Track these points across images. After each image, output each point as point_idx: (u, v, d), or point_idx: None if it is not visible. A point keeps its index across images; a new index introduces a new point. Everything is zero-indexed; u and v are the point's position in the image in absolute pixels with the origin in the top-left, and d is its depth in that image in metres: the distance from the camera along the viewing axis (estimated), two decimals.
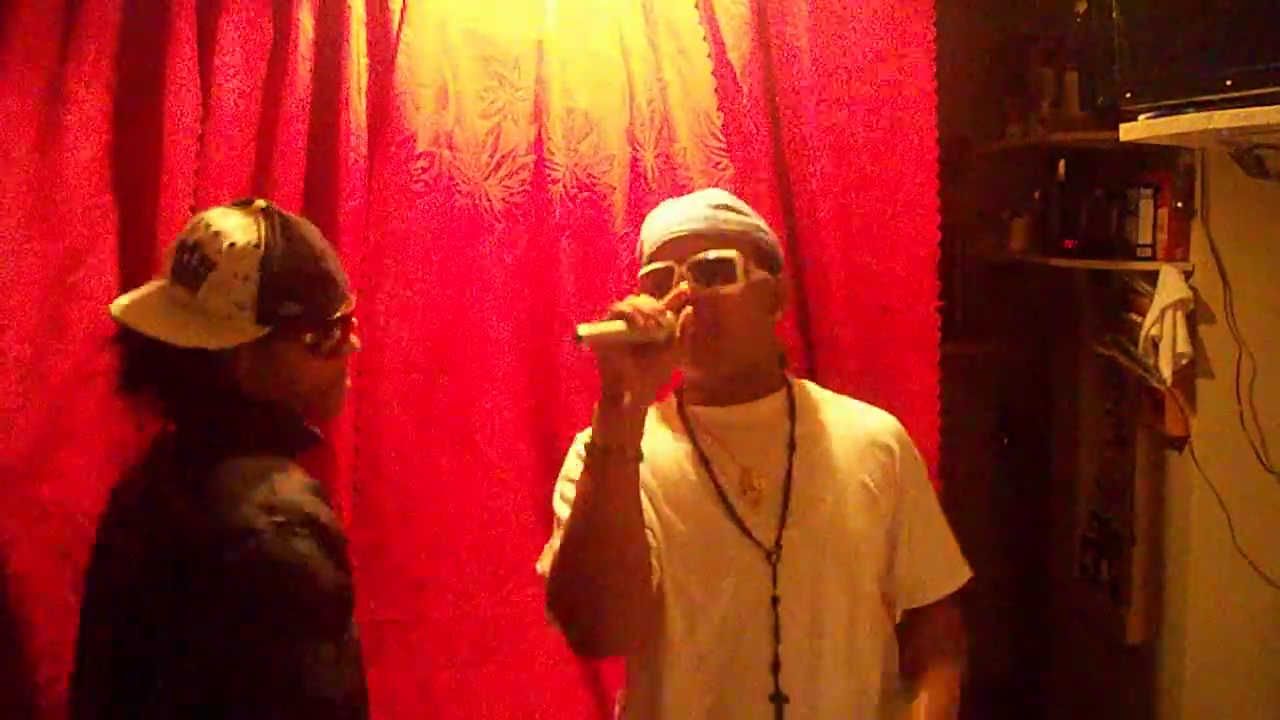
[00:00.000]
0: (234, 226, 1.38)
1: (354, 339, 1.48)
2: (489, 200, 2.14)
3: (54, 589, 1.84)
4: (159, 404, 1.40)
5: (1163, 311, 2.36)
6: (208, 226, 1.38)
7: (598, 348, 1.30)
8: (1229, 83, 1.81)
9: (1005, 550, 3.17)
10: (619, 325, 1.30)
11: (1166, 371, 2.38)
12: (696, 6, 2.14)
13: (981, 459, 3.14)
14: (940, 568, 1.57)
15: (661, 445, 1.49)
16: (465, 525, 2.13)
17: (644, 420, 1.35)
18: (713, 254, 1.44)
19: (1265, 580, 2.32)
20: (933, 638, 1.56)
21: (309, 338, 1.40)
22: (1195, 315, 2.37)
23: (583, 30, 2.16)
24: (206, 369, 1.35)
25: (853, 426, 1.56)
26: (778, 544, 1.45)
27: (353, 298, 1.48)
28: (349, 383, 1.51)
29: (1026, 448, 3.20)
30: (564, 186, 2.15)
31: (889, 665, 1.52)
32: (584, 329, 1.29)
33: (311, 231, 1.44)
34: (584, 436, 1.53)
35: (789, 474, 1.49)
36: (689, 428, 1.53)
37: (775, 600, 1.44)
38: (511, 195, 2.15)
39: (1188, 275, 2.39)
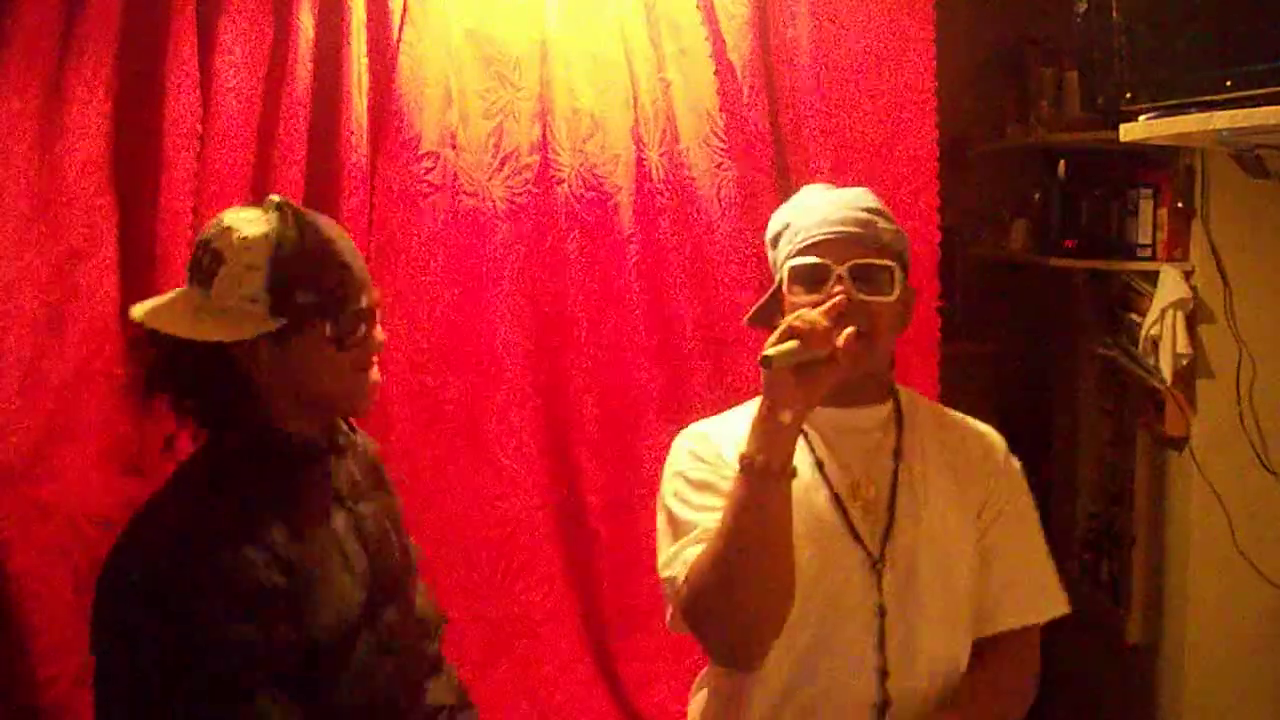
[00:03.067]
0: (245, 220, 1.37)
1: (379, 332, 1.44)
2: (493, 201, 2.14)
3: (54, 589, 1.84)
4: (183, 407, 1.39)
5: (1163, 311, 2.36)
6: (219, 223, 1.38)
7: (776, 369, 1.29)
8: (1229, 83, 1.81)
9: None
10: (794, 344, 1.30)
11: (1166, 371, 2.38)
12: (698, 7, 2.15)
13: None
14: (1023, 596, 1.52)
15: None
16: (474, 525, 2.13)
17: (798, 436, 1.35)
18: (875, 261, 1.42)
19: (1265, 580, 2.31)
20: (994, 670, 1.51)
21: (328, 329, 1.36)
22: (1195, 315, 2.37)
23: (585, 31, 2.16)
24: (226, 366, 1.34)
25: (957, 440, 1.55)
26: (883, 552, 1.45)
27: (376, 291, 1.43)
28: (377, 377, 1.45)
29: (1026, 448, 3.20)
30: (569, 186, 2.15)
31: None
32: (770, 352, 1.29)
33: (328, 223, 1.42)
34: (694, 435, 1.53)
35: (894, 483, 1.48)
36: (802, 431, 1.48)
37: (881, 609, 1.43)
38: (516, 195, 2.15)
39: (1188, 275, 2.38)
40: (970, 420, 1.61)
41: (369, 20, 2.08)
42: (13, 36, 1.88)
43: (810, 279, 1.43)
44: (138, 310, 1.39)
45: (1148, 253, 2.50)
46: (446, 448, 2.13)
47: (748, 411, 1.42)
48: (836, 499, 1.46)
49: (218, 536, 1.29)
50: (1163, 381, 2.41)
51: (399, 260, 2.09)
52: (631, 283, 2.16)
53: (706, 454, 1.49)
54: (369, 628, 1.43)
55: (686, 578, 1.39)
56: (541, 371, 2.17)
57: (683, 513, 1.46)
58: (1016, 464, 1.58)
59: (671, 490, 1.49)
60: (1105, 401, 2.86)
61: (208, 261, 1.36)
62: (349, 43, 2.05)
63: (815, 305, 1.37)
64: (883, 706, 1.42)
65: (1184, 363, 2.36)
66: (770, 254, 1.54)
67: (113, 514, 1.91)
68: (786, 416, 1.32)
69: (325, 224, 1.41)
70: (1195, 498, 2.39)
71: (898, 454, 1.50)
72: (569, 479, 2.15)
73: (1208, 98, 1.85)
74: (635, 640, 2.09)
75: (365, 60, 2.08)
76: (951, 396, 2.25)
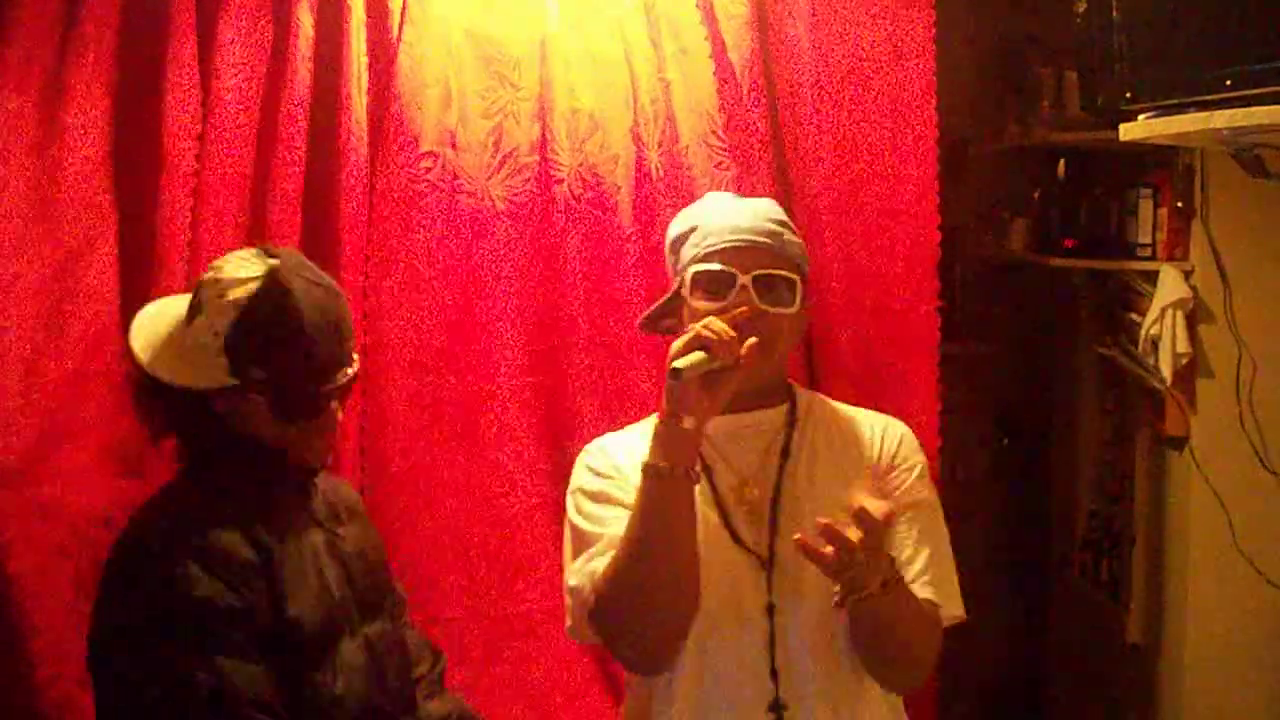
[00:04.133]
0: (236, 273, 1.44)
1: (333, 410, 1.51)
2: (492, 200, 2.14)
3: (54, 589, 1.84)
4: (167, 432, 1.51)
5: (1163, 311, 2.36)
6: (218, 267, 1.47)
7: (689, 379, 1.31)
8: (1229, 83, 1.81)
9: (1005, 550, 3.17)
10: (702, 356, 1.32)
11: (1166, 371, 2.38)
12: (698, 7, 2.14)
13: (981, 459, 3.15)
14: (926, 593, 1.46)
15: None
16: (474, 525, 2.13)
17: (700, 441, 1.37)
18: (779, 273, 1.45)
19: (1265, 580, 2.32)
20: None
21: (272, 402, 1.44)
22: (1195, 315, 2.37)
23: (585, 30, 2.16)
24: (194, 403, 1.44)
25: (851, 436, 1.55)
26: (771, 553, 1.45)
27: (344, 373, 1.50)
28: (330, 441, 1.54)
29: (1026, 448, 3.21)
30: (569, 187, 2.15)
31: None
32: (680, 364, 1.31)
33: (311, 295, 1.45)
34: (597, 451, 1.55)
35: (779, 483, 1.49)
36: None
37: (770, 609, 1.43)
38: (515, 195, 2.15)
39: (1188, 275, 2.38)
40: (872, 415, 1.60)
41: (369, 20, 2.08)
42: (13, 36, 1.87)
43: (714, 286, 1.44)
44: (136, 336, 1.48)
45: (1148, 253, 2.50)
46: (445, 447, 2.12)
47: (645, 426, 1.45)
48: (719, 503, 1.47)
49: (199, 517, 1.42)
50: (1163, 381, 2.41)
51: (398, 260, 2.09)
52: (631, 283, 2.15)
53: (603, 467, 1.51)
54: (350, 635, 1.49)
55: (594, 587, 1.40)
56: (540, 371, 2.17)
57: (584, 525, 1.47)
58: (921, 459, 1.56)
59: (573, 506, 1.51)
60: (1105, 401, 2.87)
61: (194, 303, 1.47)
62: (349, 42, 2.04)
63: (717, 312, 1.39)
64: (778, 706, 1.42)
65: (1184, 363, 2.36)
66: (670, 258, 1.56)
67: (113, 514, 1.91)
68: (690, 423, 1.34)
69: (307, 298, 1.45)
70: (1195, 497, 2.39)
71: (784, 454, 1.50)
72: (567, 478, 2.13)
73: (1208, 97, 1.85)
74: None
75: (365, 60, 2.08)
76: (951, 396, 2.25)
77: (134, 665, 1.36)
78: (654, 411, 1.42)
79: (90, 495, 1.89)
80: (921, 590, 1.45)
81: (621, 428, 2.00)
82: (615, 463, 1.51)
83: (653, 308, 1.58)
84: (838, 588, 1.34)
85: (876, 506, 1.27)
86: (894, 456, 1.54)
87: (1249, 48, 1.78)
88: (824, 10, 2.14)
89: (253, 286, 1.42)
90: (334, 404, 1.51)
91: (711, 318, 1.37)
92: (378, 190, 2.09)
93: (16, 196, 1.87)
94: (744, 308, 1.40)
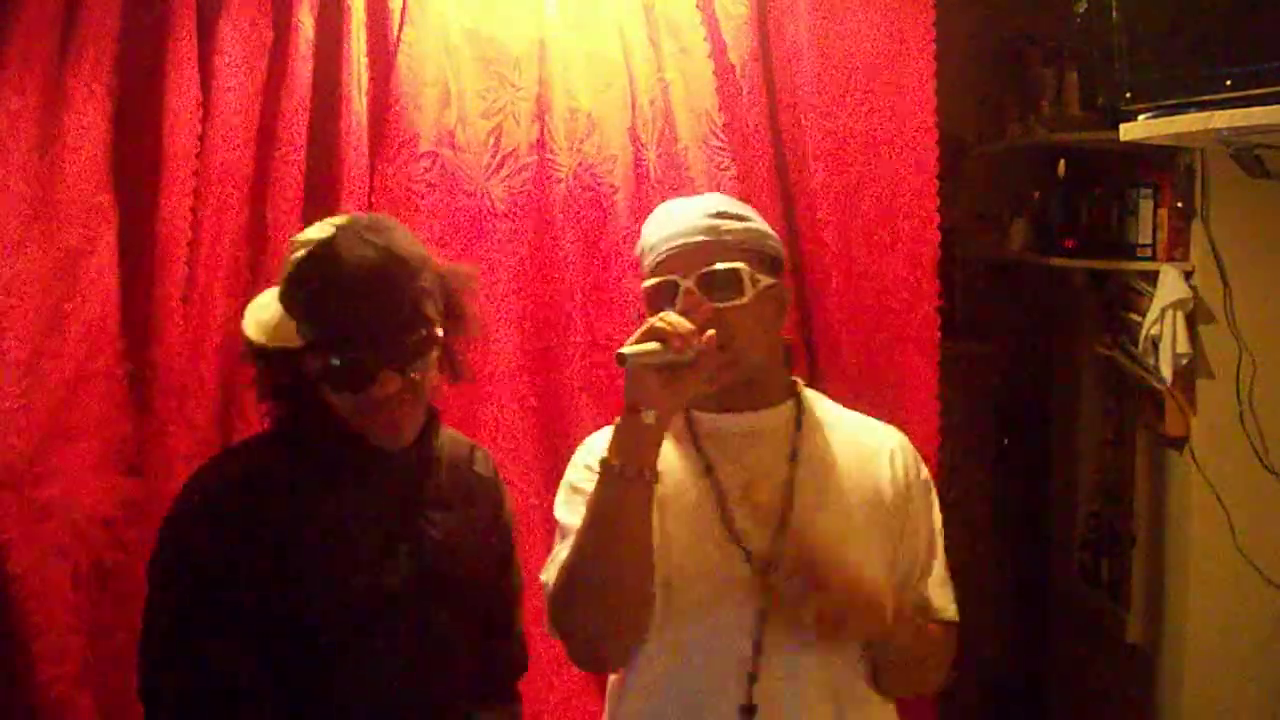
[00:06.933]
0: (303, 239, 1.45)
1: (389, 382, 1.40)
2: (491, 200, 2.14)
3: (54, 589, 1.84)
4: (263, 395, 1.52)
5: (1163, 311, 2.36)
6: (298, 234, 1.48)
7: (635, 368, 1.30)
8: (1229, 83, 1.81)
9: (1005, 550, 3.17)
10: (655, 346, 1.30)
11: (1166, 371, 2.38)
12: (697, 7, 2.14)
13: (981, 459, 3.15)
14: (934, 587, 1.51)
15: (665, 452, 1.46)
16: None
17: (661, 441, 1.35)
18: (719, 266, 1.42)
19: (1265, 580, 2.32)
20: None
21: (318, 365, 1.41)
22: (1195, 315, 2.37)
23: (584, 30, 2.16)
24: (280, 365, 1.45)
25: (860, 441, 1.54)
26: (773, 558, 1.43)
27: (404, 341, 1.41)
28: (398, 423, 1.46)
29: (1026, 447, 3.21)
30: (567, 186, 2.15)
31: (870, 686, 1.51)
32: (626, 349, 1.29)
33: (358, 261, 1.38)
34: (589, 446, 1.53)
35: (790, 486, 1.47)
36: (693, 435, 1.51)
37: (762, 614, 1.41)
38: (514, 195, 2.15)
39: (1188, 275, 2.38)
40: (872, 421, 1.60)
41: (369, 20, 2.08)
42: (13, 36, 1.88)
43: (660, 298, 1.43)
44: (251, 307, 1.50)
45: (1148, 253, 2.50)
46: None
47: None
48: (722, 507, 1.45)
49: (228, 467, 1.50)
50: (1163, 381, 2.41)
51: None
52: (629, 283, 2.15)
53: (589, 461, 1.48)
54: (395, 618, 1.46)
55: (554, 578, 1.40)
56: (539, 371, 2.16)
57: (565, 518, 1.47)
58: (925, 471, 1.56)
59: (561, 499, 1.51)
60: (1105, 401, 2.87)
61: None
62: (349, 43, 2.05)
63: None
64: (749, 710, 1.40)
65: (1184, 363, 2.36)
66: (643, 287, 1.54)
67: (113, 514, 1.92)
68: (650, 418, 1.32)
69: (351, 256, 1.39)
70: (1195, 498, 2.39)
71: (794, 456, 1.49)
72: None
73: (1207, 97, 1.85)
74: None
75: (365, 60, 2.08)
76: (952, 396, 2.25)
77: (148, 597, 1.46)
78: None
79: (90, 495, 1.89)
80: (938, 600, 1.50)
81: None
82: (600, 457, 1.48)
83: (630, 342, 1.48)
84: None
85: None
86: (907, 486, 1.52)
87: (1249, 48, 1.78)
88: (824, 10, 2.14)
89: (311, 246, 1.42)
90: (389, 375, 1.40)
91: (668, 311, 1.36)
92: (377, 190, 2.09)
93: (16, 196, 1.88)
94: (701, 306, 1.39)
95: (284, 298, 1.44)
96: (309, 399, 1.45)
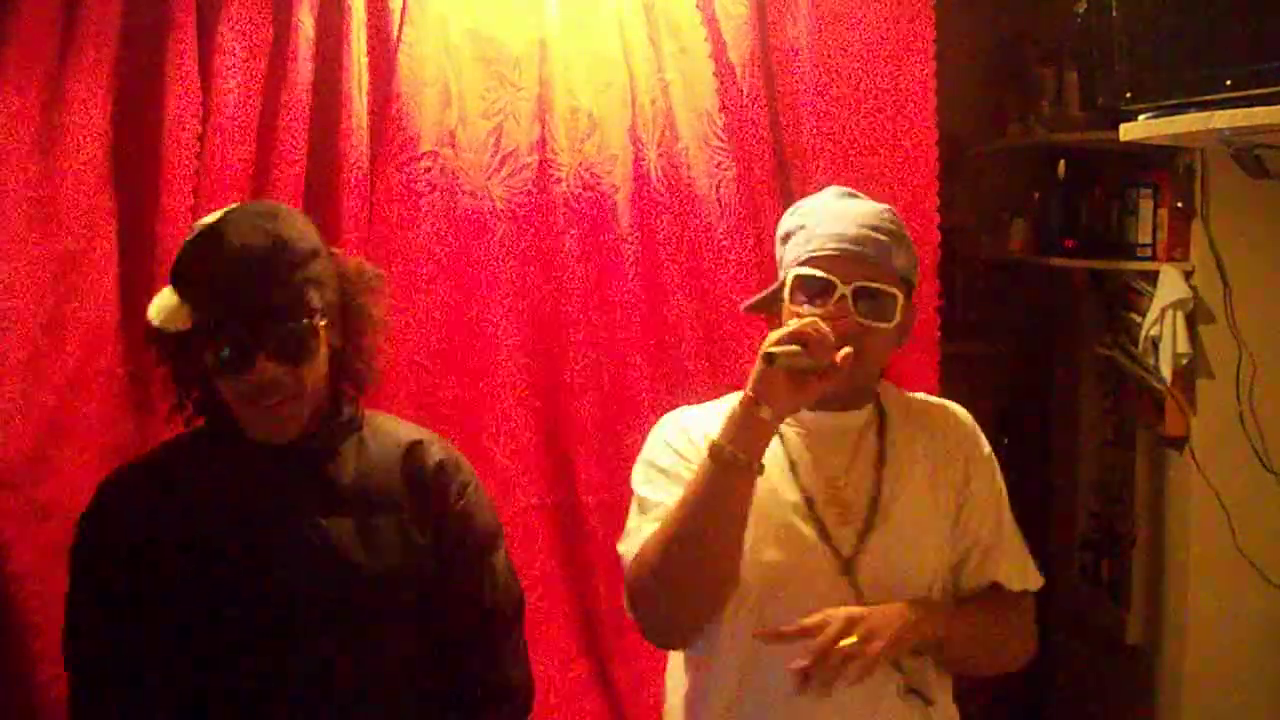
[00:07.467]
0: (197, 223, 1.46)
1: (264, 371, 1.37)
2: (492, 200, 2.14)
3: (54, 589, 1.83)
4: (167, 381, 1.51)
5: (1163, 311, 2.36)
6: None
7: (774, 366, 1.31)
8: (1229, 83, 1.81)
9: None
10: (798, 349, 1.32)
11: (1166, 371, 2.38)
12: (698, 7, 2.14)
13: None
14: (1000, 563, 1.53)
15: None
16: None
17: (772, 436, 1.37)
18: (878, 285, 1.43)
19: (1265, 580, 2.32)
20: (998, 600, 1.53)
21: (203, 349, 1.39)
22: (1195, 315, 2.37)
23: (584, 30, 2.16)
24: (174, 349, 1.44)
25: (931, 431, 1.56)
26: (857, 556, 1.45)
27: (277, 326, 1.37)
28: (278, 413, 1.42)
29: (1026, 448, 3.20)
30: (568, 186, 2.15)
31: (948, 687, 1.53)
32: (777, 350, 1.31)
33: (241, 241, 1.36)
34: (673, 426, 1.53)
35: (877, 487, 1.48)
36: (779, 432, 1.49)
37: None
38: (514, 195, 2.15)
39: (1188, 275, 2.39)
40: (938, 401, 1.63)
41: (369, 20, 2.08)
42: (13, 36, 1.87)
43: (814, 291, 1.43)
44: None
45: (1148, 253, 2.50)
46: None
47: (723, 405, 1.44)
48: (808, 502, 1.47)
49: (133, 471, 1.52)
50: (1163, 381, 2.41)
51: (397, 260, 2.09)
52: (630, 282, 2.15)
53: (680, 445, 1.50)
54: (300, 617, 1.43)
55: (636, 555, 1.41)
56: (539, 371, 2.16)
57: (649, 494, 1.47)
58: (986, 447, 1.60)
59: (642, 476, 1.51)
60: (1105, 401, 2.87)
61: None
62: (349, 42, 2.05)
63: (819, 316, 1.38)
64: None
65: (1184, 363, 2.36)
66: (779, 249, 1.54)
67: None
68: (767, 413, 1.33)
69: (235, 236, 1.38)
70: (1195, 497, 2.39)
71: (881, 459, 1.51)
72: (566, 479, 2.14)
73: (1207, 97, 1.85)
74: (631, 641, 2.08)
75: (365, 60, 2.08)
76: (952, 397, 2.25)
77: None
78: (715, 398, 1.41)
79: (90, 495, 1.89)
80: (1006, 573, 1.52)
81: (620, 429, 1.99)
82: (693, 441, 1.48)
83: (755, 298, 1.57)
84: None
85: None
86: (965, 462, 1.55)
87: (1249, 48, 1.78)
88: (824, 10, 2.14)
89: (202, 228, 1.42)
90: (265, 361, 1.36)
91: (816, 318, 1.36)
92: (378, 190, 2.09)
93: (16, 196, 1.87)
94: (844, 318, 1.39)
95: (172, 278, 1.42)
96: (210, 388, 1.44)
